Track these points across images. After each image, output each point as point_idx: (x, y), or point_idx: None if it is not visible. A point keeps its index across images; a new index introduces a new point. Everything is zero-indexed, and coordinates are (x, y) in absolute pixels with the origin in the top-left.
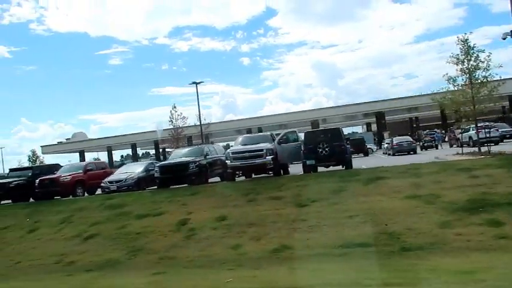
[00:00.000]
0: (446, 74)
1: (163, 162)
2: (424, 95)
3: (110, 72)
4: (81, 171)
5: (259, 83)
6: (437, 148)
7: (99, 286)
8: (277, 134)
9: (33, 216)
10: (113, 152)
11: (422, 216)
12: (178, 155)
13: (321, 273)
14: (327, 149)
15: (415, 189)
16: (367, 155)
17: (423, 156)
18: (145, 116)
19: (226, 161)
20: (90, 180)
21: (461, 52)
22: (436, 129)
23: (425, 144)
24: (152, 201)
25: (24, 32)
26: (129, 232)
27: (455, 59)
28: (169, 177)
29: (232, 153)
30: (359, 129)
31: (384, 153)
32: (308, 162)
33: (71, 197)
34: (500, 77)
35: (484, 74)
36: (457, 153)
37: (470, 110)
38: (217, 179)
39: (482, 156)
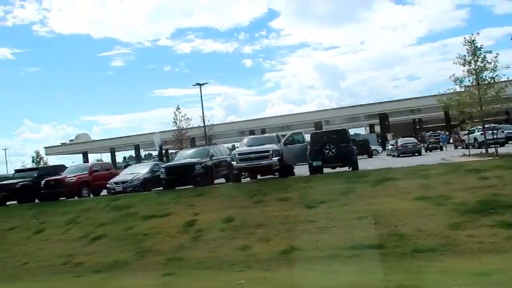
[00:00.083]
0: (453, 75)
1: (169, 164)
2: (427, 96)
3: (113, 73)
4: (86, 172)
5: (261, 84)
6: (442, 150)
7: (109, 287)
8: (283, 136)
9: (39, 217)
10: (116, 153)
11: (432, 218)
12: (184, 156)
13: (334, 275)
14: (333, 150)
15: (424, 191)
16: (371, 157)
17: (429, 158)
18: (148, 117)
19: (232, 162)
20: (95, 181)
21: (468, 53)
22: (439, 131)
23: (430, 146)
24: (158, 202)
25: (27, 34)
26: (136, 233)
27: (462, 60)
28: (175, 178)
29: (239, 154)
30: (362, 131)
31: (388, 154)
32: (314, 163)
33: (76, 198)
34: (508, 78)
35: (491, 74)
36: (464, 155)
37: (478, 111)
38: (223, 180)
39: (490, 158)
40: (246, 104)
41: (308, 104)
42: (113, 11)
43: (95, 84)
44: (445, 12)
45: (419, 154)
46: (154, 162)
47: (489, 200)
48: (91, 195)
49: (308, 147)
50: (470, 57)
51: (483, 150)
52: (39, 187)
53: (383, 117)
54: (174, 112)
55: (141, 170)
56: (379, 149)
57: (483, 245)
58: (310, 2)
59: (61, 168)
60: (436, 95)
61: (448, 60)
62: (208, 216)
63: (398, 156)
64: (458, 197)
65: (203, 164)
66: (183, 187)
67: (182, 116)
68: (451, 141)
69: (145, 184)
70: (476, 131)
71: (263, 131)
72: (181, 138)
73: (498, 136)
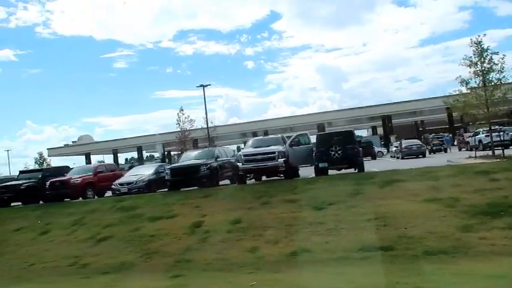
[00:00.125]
0: (459, 76)
1: (175, 165)
2: (431, 98)
3: (115, 75)
4: (91, 173)
5: (263, 86)
6: (446, 152)
7: None
8: (288, 137)
9: (44, 218)
10: (118, 154)
11: (443, 220)
12: (189, 157)
13: (346, 277)
14: (339, 152)
15: (433, 193)
16: (375, 158)
17: (433, 160)
18: (150, 119)
19: (238, 164)
20: (100, 182)
21: (475, 54)
22: (442, 133)
23: (434, 148)
24: (164, 203)
25: (30, 36)
26: (142, 234)
27: (468, 61)
28: (181, 180)
29: (244, 155)
30: (364, 133)
31: (392, 156)
32: (320, 165)
33: (80, 199)
34: None
35: (498, 76)
36: (470, 157)
37: (484, 113)
38: (227, 181)
39: (498, 160)
40: (248, 105)
41: (310, 106)
42: (115, 13)
43: (97, 86)
44: (447, 14)
45: (424, 156)
46: (159, 164)
47: (500, 202)
48: (95, 197)
49: (314, 148)
50: (477, 59)
51: (489, 152)
52: (44, 188)
53: (386, 119)
54: (178, 113)
55: (146, 171)
56: (384, 150)
57: (495, 248)
58: (312, 4)
59: (65, 169)
60: (440, 97)
61: (451, 62)
62: (215, 217)
63: (402, 158)
64: (468, 198)
65: (208, 166)
66: (188, 188)
67: (186, 118)
68: (455, 143)
69: (150, 185)
70: (481, 133)
71: (265, 133)
72: (185, 139)
73: (504, 138)
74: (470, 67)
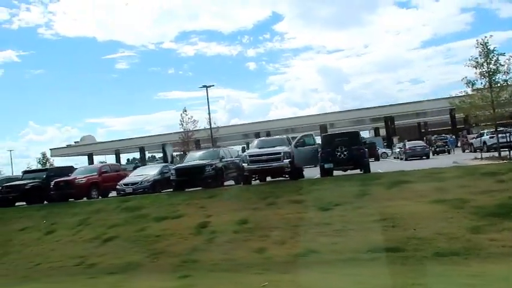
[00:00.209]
0: (465, 77)
1: (180, 165)
2: (433, 99)
3: (117, 76)
4: (95, 173)
5: (265, 87)
6: (449, 153)
7: None
8: (293, 138)
9: (49, 218)
10: (120, 155)
11: (451, 221)
12: (194, 157)
13: (358, 278)
14: (345, 153)
15: (440, 194)
16: (378, 160)
17: (437, 161)
18: (152, 119)
19: (243, 164)
20: (104, 182)
21: (481, 55)
22: (444, 134)
23: (438, 149)
24: (170, 203)
25: (32, 37)
26: (148, 235)
27: (474, 62)
28: (185, 180)
29: (250, 156)
30: (366, 134)
31: (395, 157)
32: (326, 165)
33: (85, 199)
34: None
35: (504, 77)
36: (475, 158)
37: (490, 114)
38: (232, 182)
39: (504, 161)
40: (249, 107)
41: (311, 107)
42: (117, 14)
43: (99, 87)
44: (449, 16)
45: (428, 157)
46: (163, 164)
47: (509, 203)
48: (100, 197)
49: (319, 149)
50: (483, 60)
51: (495, 154)
52: (49, 188)
53: (389, 121)
54: (181, 114)
55: (151, 172)
56: (389, 152)
57: (506, 249)
58: (314, 5)
59: (69, 169)
60: (445, 98)
61: (453, 64)
62: (220, 218)
63: (406, 159)
64: (476, 200)
65: (213, 166)
66: (193, 189)
67: (189, 118)
68: (458, 144)
69: (155, 186)
70: (485, 134)
71: (268, 134)
72: (188, 140)
73: (510, 139)
74: (476, 68)
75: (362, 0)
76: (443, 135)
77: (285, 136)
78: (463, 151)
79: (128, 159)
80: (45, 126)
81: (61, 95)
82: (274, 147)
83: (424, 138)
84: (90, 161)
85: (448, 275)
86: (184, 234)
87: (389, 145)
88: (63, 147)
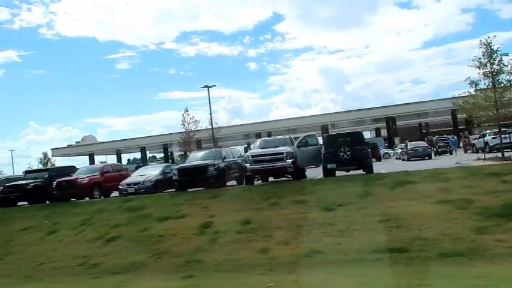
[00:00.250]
0: (469, 77)
1: (182, 165)
2: (435, 100)
3: (118, 76)
4: (98, 173)
5: (265, 87)
6: (451, 153)
7: None
8: (296, 138)
9: (52, 218)
10: (121, 155)
11: (456, 222)
12: (196, 157)
13: (363, 278)
14: (348, 153)
15: (445, 194)
16: (380, 160)
17: (440, 162)
18: (153, 119)
19: (246, 164)
20: (106, 182)
21: (484, 55)
22: (446, 135)
23: (440, 150)
24: (172, 203)
25: (33, 37)
26: (151, 235)
27: (477, 63)
28: (188, 180)
29: (252, 156)
30: (367, 135)
31: (397, 158)
32: (329, 165)
33: (87, 199)
34: None
35: (507, 78)
36: (478, 159)
37: (494, 114)
38: (234, 182)
39: (508, 162)
40: (250, 107)
41: (312, 107)
42: (118, 14)
43: (100, 87)
44: (450, 16)
45: (430, 158)
46: (165, 164)
47: None
48: (102, 197)
49: (322, 149)
50: (486, 60)
51: (498, 154)
52: (51, 188)
53: (390, 121)
54: (183, 114)
55: (153, 172)
56: (391, 152)
57: (511, 250)
58: (315, 6)
59: (71, 169)
60: (447, 99)
61: (454, 64)
62: (224, 218)
63: (408, 160)
64: (480, 200)
65: (216, 166)
66: (195, 189)
67: (190, 119)
68: (460, 145)
69: (157, 186)
70: (487, 135)
71: (269, 134)
72: (189, 140)
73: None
74: (479, 68)
75: (363, 1)
76: (445, 135)
77: (287, 136)
78: (465, 152)
79: (129, 159)
80: (45, 126)
81: (62, 95)
82: (277, 147)
83: (426, 138)
84: (91, 161)
85: (452, 275)
86: (187, 234)
87: (391, 145)
88: (64, 147)
